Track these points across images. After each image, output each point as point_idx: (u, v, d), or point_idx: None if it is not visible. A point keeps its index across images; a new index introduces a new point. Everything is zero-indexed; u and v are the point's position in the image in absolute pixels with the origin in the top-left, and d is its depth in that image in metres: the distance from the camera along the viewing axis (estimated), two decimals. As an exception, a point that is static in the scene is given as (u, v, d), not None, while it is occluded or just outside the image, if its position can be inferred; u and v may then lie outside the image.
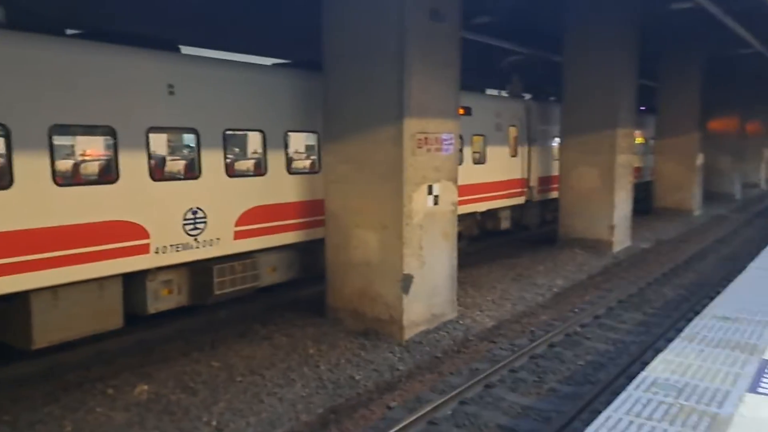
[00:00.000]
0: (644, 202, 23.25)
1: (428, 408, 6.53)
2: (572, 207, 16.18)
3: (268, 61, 11.83)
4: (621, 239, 16.09)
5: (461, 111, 13.46)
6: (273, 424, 6.32)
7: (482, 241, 16.26)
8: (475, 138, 14.59)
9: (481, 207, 15.00)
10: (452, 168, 9.47)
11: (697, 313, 9.31)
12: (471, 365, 8.02)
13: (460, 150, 13.51)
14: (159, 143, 9.95)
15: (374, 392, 7.21)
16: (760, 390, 4.32)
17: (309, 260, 10.20)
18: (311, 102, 9.64)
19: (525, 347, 8.55)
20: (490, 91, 18.26)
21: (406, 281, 8.69)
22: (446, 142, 9.28)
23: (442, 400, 6.75)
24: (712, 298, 10.43)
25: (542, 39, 17.81)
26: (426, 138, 8.84)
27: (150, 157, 8.04)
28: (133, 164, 7.76)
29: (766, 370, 4.63)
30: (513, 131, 16.16)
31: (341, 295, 9.33)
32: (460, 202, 13.08)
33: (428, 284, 9.09)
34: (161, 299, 8.43)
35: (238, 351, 8.18)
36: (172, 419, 6.25)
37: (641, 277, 13.05)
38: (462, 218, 13.96)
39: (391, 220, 8.67)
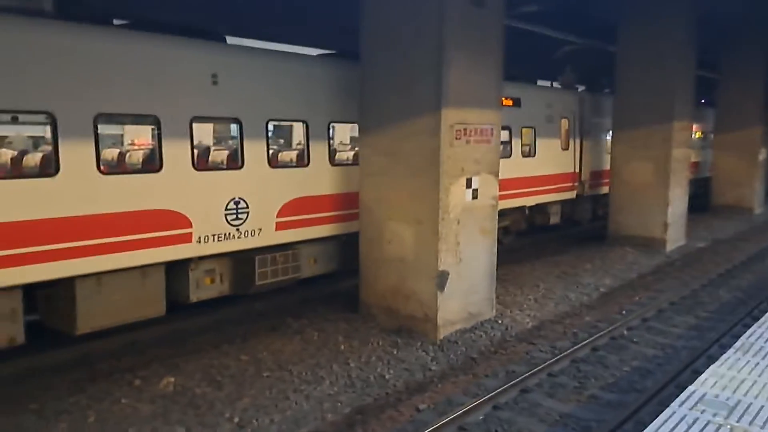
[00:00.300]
0: (702, 199, 22.14)
1: (459, 412, 6.23)
2: (623, 203, 15.46)
3: (315, 51, 11.64)
4: (675, 237, 15.28)
5: (509, 102, 13.43)
6: (298, 422, 6.14)
7: (528, 237, 15.76)
8: (525, 130, 14.19)
9: (530, 201, 14.54)
10: (493, 160, 9.08)
11: (755, 318, 8.72)
12: (508, 367, 7.65)
13: (509, 142, 13.59)
14: (203, 133, 9.81)
15: (404, 393, 6.95)
16: (826, 411, 3.84)
17: (350, 252, 9.94)
18: (355, 92, 9.44)
19: (566, 350, 8.12)
20: (541, 82, 17.62)
21: (442, 278, 8.38)
22: (487, 133, 8.89)
23: (475, 403, 6.43)
24: (773, 303, 9.79)
25: (597, 29, 17.12)
26: (465, 129, 8.48)
27: (193, 146, 8.03)
28: (176, 154, 7.75)
29: (833, 389, 4.14)
30: (565, 123, 15.61)
31: (374, 291, 9.09)
32: (508, 196, 13.20)
33: (465, 282, 8.75)
34: (203, 288, 8.45)
35: (269, 345, 8.06)
36: (197, 413, 6.16)
37: (695, 278, 12.32)
38: (509, 212, 13.85)
39: (427, 214, 8.37)
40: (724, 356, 4.75)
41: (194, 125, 8.03)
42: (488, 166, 8.97)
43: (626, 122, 15.27)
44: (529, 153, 14.37)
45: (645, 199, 15.05)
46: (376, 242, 8.99)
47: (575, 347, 8.20)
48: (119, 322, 7.55)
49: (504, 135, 13.10)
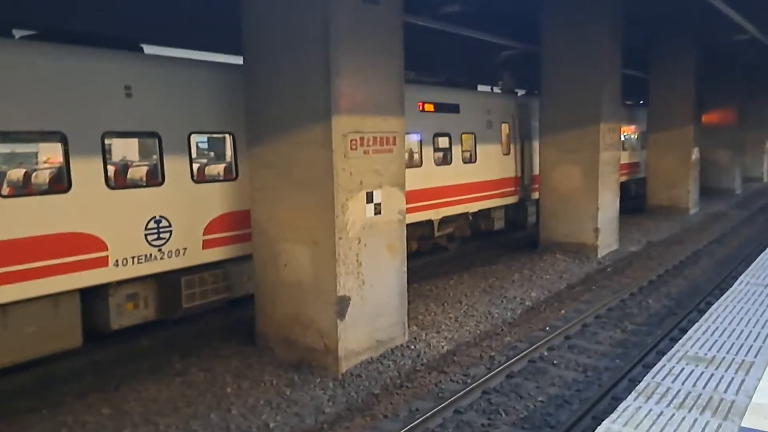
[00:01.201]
0: (641, 200, 22.09)
1: (344, 468, 5.37)
2: (554, 209, 14.98)
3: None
4: (607, 243, 14.88)
5: (430, 107, 13.06)
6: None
7: (465, 245, 15.28)
8: (465, 136, 14.07)
9: (473, 207, 14.44)
10: (397, 171, 8.28)
11: (683, 331, 8.17)
12: (412, 404, 6.83)
13: (449, 149, 13.54)
14: (120, 149, 9.23)
15: (287, 445, 6.05)
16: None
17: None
18: None
19: (480, 378, 7.38)
20: (481, 88, 17.42)
21: (342, 304, 7.52)
22: (389, 142, 8.10)
23: (365, 455, 5.59)
24: (701, 312, 9.30)
25: (533, 33, 16.88)
26: (362, 138, 7.66)
27: (106, 163, 7.55)
28: (87, 172, 7.23)
29: (744, 442, 3.48)
30: (505, 128, 15.44)
31: (272, 321, 8.16)
32: (451, 203, 13.62)
33: (370, 306, 7.92)
34: (126, 314, 7.92)
35: (142, 392, 7.02)
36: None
37: (625, 286, 11.85)
38: (454, 219, 13.93)
39: (323, 233, 7.50)
40: (623, 404, 4.03)
41: (107, 141, 7.64)
42: (392, 178, 8.17)
43: (553, 125, 14.81)
44: (470, 159, 14.22)
45: (575, 204, 14.60)
46: (271, 265, 8.06)
47: (489, 374, 7.47)
48: (31, 356, 7.02)
49: (444, 142, 13.42)
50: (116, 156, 11.60)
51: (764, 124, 33.69)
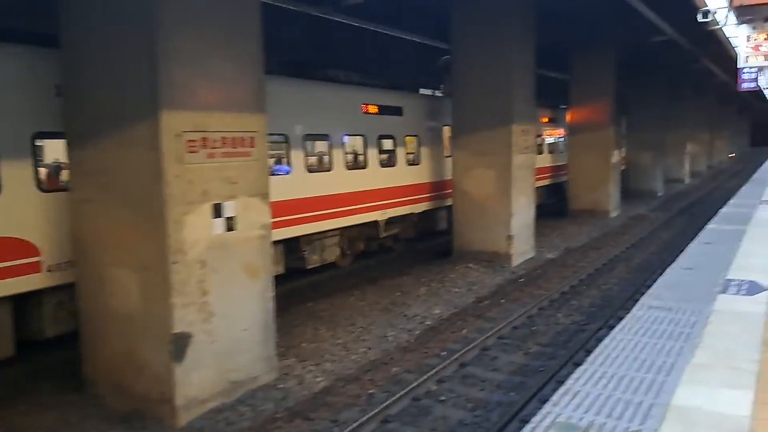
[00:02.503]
0: (564, 204, 21.60)
1: None
2: (466, 216, 14.03)
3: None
4: (522, 250, 14.05)
5: (374, 109, 13.24)
6: None
7: (373, 257, 14.29)
8: (408, 138, 14.38)
9: (418, 208, 14.74)
10: (258, 178, 6.99)
11: (588, 352, 7.24)
12: (257, 466, 5.56)
13: (393, 150, 13.76)
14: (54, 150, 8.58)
15: None
16: None
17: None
18: None
19: (350, 425, 6.17)
20: (424, 91, 17.45)
21: (179, 343, 6.15)
22: (244, 144, 6.80)
23: None
24: (610, 328, 8.42)
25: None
26: (205, 139, 6.33)
27: (37, 165, 7.34)
28: (16, 174, 6.99)
29: None
30: (447, 131, 15.42)
31: (100, 361, 6.70)
32: (396, 204, 13.83)
33: (221, 343, 6.58)
34: (62, 322, 7.68)
35: None
36: None
37: (536, 298, 10.95)
38: (399, 220, 14.15)
39: (153, 256, 6.12)
40: None
41: (38, 142, 7.32)
42: (250, 187, 6.87)
43: (465, 127, 13.87)
44: (415, 161, 14.52)
45: (488, 210, 13.70)
46: (96, 294, 6.62)
47: (362, 419, 6.28)
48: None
49: (389, 144, 13.70)
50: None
51: (686, 125, 34.25)
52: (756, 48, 7.98)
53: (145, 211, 6.11)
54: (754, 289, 6.41)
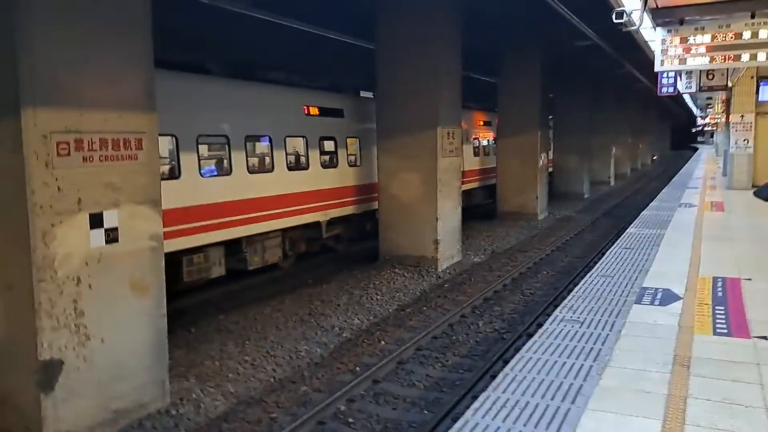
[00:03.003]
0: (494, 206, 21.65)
1: None
2: (393, 220, 13.66)
3: None
4: (449, 254, 13.80)
5: (315, 111, 13.10)
6: None
7: (306, 261, 13.77)
8: (350, 140, 14.33)
9: (360, 209, 14.58)
10: (146, 184, 6.31)
11: (505, 362, 6.98)
12: None
13: (335, 152, 13.68)
14: None
15: None
16: None
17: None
18: None
19: (246, 455, 5.61)
20: (365, 94, 16.98)
21: (48, 372, 5.41)
22: (129, 146, 6.11)
23: None
24: (530, 335, 8.22)
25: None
26: (79, 140, 5.61)
27: None
28: None
29: None
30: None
31: (-43, 395, 5.86)
32: (338, 204, 13.77)
33: (101, 369, 5.87)
34: None
35: None
36: None
37: (459, 305, 10.67)
38: (341, 220, 14.09)
39: (16, 274, 5.36)
40: None
41: None
42: (136, 193, 6.18)
43: (391, 130, 13.48)
44: (356, 162, 14.46)
45: (414, 214, 13.37)
46: (-46, 319, 5.76)
47: (261, 449, 5.73)
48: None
49: (330, 145, 13.65)
50: None
51: (610, 130, 35.28)
52: (666, 52, 7.95)
53: (8, 222, 5.35)
54: (668, 298, 6.28)
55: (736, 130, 16.63)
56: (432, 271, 13.15)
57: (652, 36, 9.06)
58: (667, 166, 52.35)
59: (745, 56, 7.70)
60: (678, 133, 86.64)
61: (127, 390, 6.14)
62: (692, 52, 7.88)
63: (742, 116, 16.48)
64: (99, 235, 5.81)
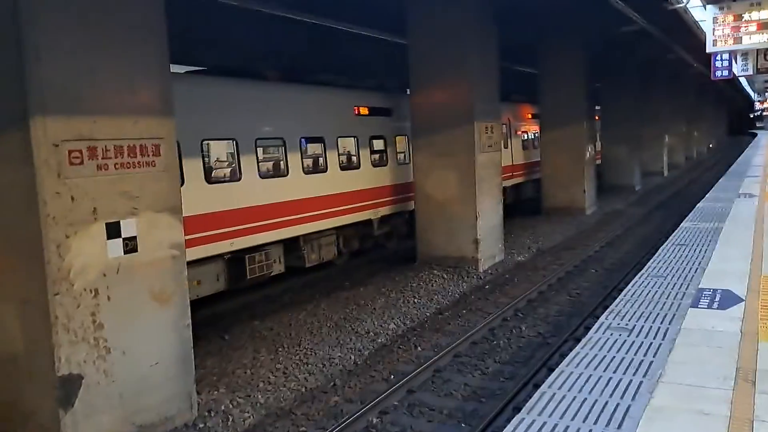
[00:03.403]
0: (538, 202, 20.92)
1: None
2: (430, 220, 13.23)
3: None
4: (490, 254, 13.28)
5: (365, 111, 13.30)
6: None
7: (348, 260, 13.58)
8: (398, 138, 14.47)
9: (410, 206, 14.43)
10: (166, 192, 6.12)
11: (550, 370, 6.48)
12: None
13: (384, 150, 13.80)
14: None
15: None
16: None
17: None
18: None
19: (271, 474, 5.34)
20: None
21: (67, 387, 5.27)
22: (147, 152, 5.93)
23: None
24: (577, 340, 7.68)
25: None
26: (93, 148, 5.45)
27: None
28: None
29: None
30: None
31: (-18, 410, 5.79)
32: (388, 202, 13.92)
33: (123, 382, 5.70)
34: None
35: None
36: None
37: (501, 307, 10.19)
38: (392, 217, 14.24)
39: (33, 287, 5.23)
40: None
41: None
42: (155, 201, 5.99)
43: (425, 126, 13.05)
44: (405, 160, 14.43)
45: (452, 213, 12.90)
46: (-24, 333, 5.70)
47: (287, 466, 5.44)
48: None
49: (379, 144, 13.76)
50: None
51: (662, 118, 33.78)
52: (718, 31, 7.23)
53: (21, 234, 5.23)
54: (728, 300, 5.68)
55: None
56: (472, 271, 12.66)
57: (703, 15, 8.31)
58: (724, 154, 49.93)
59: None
60: (736, 118, 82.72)
61: (152, 403, 5.96)
62: (748, 29, 7.16)
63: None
64: (117, 245, 5.64)
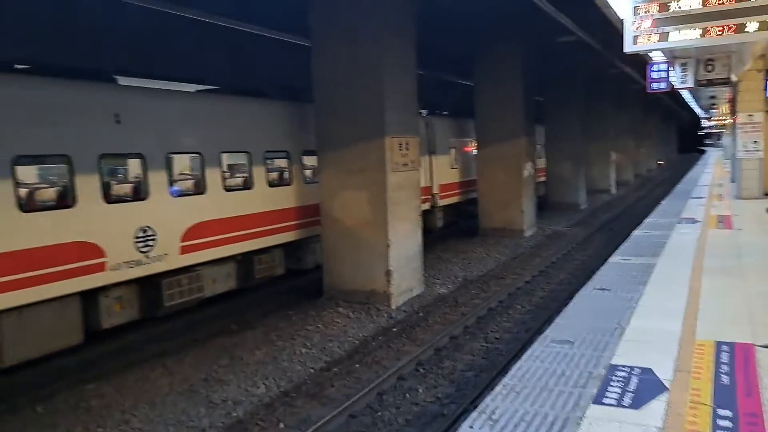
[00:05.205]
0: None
1: None
2: (337, 247, 11.52)
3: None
4: (406, 287, 11.61)
5: None
6: None
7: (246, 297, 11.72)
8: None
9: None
10: None
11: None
12: None
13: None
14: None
15: None
16: None
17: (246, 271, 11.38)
18: None
19: None
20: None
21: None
22: None
23: None
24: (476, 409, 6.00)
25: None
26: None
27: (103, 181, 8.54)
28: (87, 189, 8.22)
29: None
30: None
31: None
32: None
33: None
34: (114, 315, 8.91)
35: None
36: None
37: (402, 358, 8.50)
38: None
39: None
40: None
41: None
42: None
43: (331, 140, 11.35)
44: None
45: (362, 240, 11.23)
46: None
47: None
48: (43, 352, 7.89)
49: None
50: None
51: (608, 133, 33.04)
52: (640, 25, 5.72)
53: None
54: (646, 391, 4.07)
55: (745, 132, 14.35)
56: (383, 308, 11.00)
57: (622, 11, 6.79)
58: (673, 171, 49.90)
59: (752, 25, 5.49)
60: (685, 135, 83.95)
61: None
62: (676, 22, 5.68)
63: (751, 115, 14.22)
64: None
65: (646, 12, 5.85)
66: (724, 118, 31.16)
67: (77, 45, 10.82)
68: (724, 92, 21.90)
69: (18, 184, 7.70)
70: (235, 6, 12.14)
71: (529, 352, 5.03)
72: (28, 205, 7.92)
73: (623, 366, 4.54)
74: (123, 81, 9.74)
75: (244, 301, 11.69)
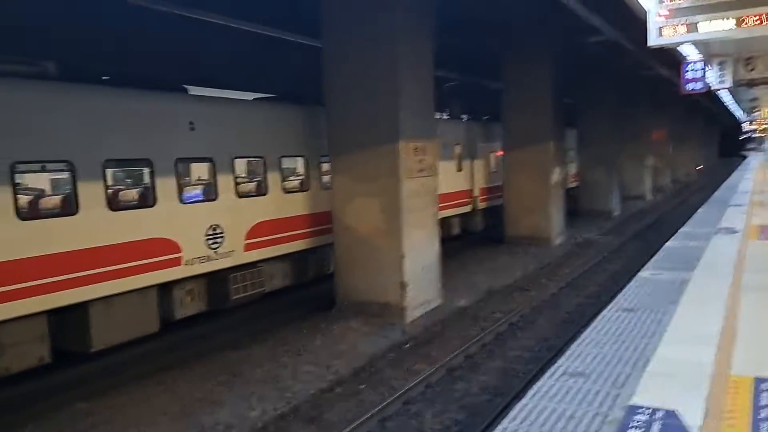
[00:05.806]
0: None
1: None
2: (350, 257, 11.05)
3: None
4: (423, 299, 11.02)
5: None
6: None
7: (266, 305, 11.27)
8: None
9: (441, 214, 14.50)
10: None
11: None
12: None
13: None
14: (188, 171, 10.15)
15: None
16: None
17: (301, 268, 11.88)
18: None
19: None
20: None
21: None
22: None
23: None
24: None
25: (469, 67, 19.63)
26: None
27: (179, 182, 9.26)
28: (166, 189, 8.96)
29: None
30: (457, 149, 17.58)
31: None
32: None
33: None
34: (186, 306, 9.59)
35: None
36: None
37: (411, 380, 7.95)
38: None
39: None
40: None
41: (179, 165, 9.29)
42: None
43: (344, 145, 10.87)
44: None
45: (374, 249, 10.70)
46: None
47: None
48: (125, 338, 8.54)
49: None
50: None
51: (642, 136, 31.77)
52: (667, 15, 5.06)
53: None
54: (668, 438, 3.42)
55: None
56: (398, 322, 10.44)
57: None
58: (714, 176, 47.98)
59: (797, 15, 4.82)
60: (727, 139, 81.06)
61: None
62: (706, 10, 5.01)
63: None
64: None
65: (671, 0, 5.20)
66: (766, 120, 29.64)
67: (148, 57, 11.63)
68: (766, 93, 20.68)
69: (107, 186, 8.41)
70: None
71: (536, 387, 4.41)
72: (115, 204, 8.63)
73: (644, 408, 3.88)
74: (192, 91, 10.41)
75: (261, 309, 11.24)
